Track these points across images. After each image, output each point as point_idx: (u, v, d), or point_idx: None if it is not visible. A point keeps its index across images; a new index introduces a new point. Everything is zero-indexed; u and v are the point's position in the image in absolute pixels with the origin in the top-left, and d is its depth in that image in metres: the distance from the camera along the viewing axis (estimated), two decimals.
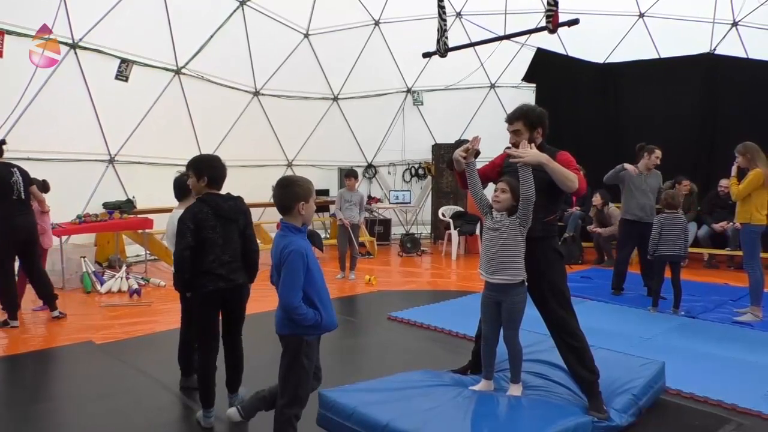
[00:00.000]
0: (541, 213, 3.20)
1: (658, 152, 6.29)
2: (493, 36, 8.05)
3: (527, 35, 7.62)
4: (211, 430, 3.18)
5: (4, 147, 5.31)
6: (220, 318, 3.29)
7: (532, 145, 3.18)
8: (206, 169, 3.23)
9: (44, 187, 6.10)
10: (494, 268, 3.17)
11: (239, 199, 3.31)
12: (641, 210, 6.19)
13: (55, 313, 5.54)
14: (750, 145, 5.25)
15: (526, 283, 3.22)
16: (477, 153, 3.35)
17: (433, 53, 7.73)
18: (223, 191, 3.29)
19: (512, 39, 10.16)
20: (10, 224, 5.25)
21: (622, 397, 3.19)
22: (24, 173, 5.40)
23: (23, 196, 5.34)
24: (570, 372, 3.25)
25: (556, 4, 6.42)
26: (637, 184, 6.22)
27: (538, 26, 6.67)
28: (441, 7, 7.38)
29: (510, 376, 3.31)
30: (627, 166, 6.26)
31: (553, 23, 6.43)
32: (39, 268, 5.61)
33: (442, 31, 7.44)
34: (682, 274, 5.82)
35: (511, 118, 3.36)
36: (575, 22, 6.46)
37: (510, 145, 3.38)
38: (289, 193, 2.64)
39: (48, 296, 5.55)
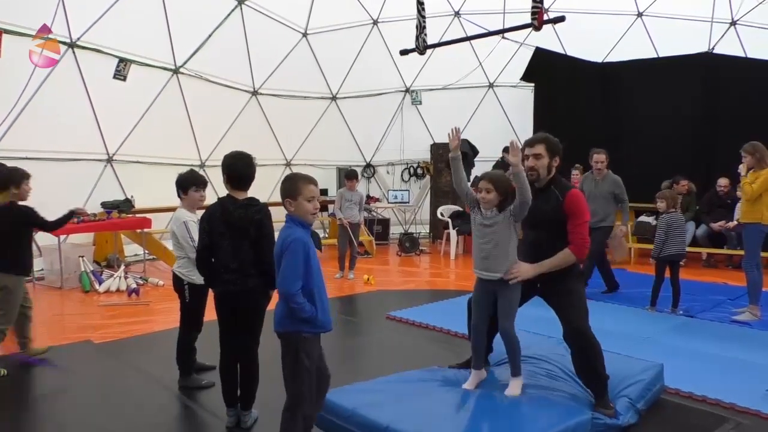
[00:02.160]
0: (562, 242, 3.20)
1: (594, 156, 6.29)
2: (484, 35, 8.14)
3: (514, 31, 7.62)
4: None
5: None
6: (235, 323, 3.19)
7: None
8: (226, 167, 3.12)
9: None
10: (489, 265, 3.18)
11: (256, 207, 3.09)
12: (592, 215, 6.22)
13: None
14: (758, 145, 5.24)
15: (539, 285, 3.20)
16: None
17: (412, 50, 7.80)
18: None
19: (510, 39, 10.21)
20: None
21: (621, 400, 3.18)
22: None
23: None
24: (583, 376, 3.22)
25: (541, 2, 6.43)
26: (588, 190, 6.24)
27: (524, 24, 6.70)
28: (420, 3, 7.44)
29: (510, 370, 3.28)
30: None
31: (538, 20, 6.45)
32: None
33: (421, 28, 7.51)
34: (681, 273, 5.82)
35: (533, 141, 3.35)
36: (561, 19, 6.47)
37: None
38: (281, 188, 2.68)
39: None
